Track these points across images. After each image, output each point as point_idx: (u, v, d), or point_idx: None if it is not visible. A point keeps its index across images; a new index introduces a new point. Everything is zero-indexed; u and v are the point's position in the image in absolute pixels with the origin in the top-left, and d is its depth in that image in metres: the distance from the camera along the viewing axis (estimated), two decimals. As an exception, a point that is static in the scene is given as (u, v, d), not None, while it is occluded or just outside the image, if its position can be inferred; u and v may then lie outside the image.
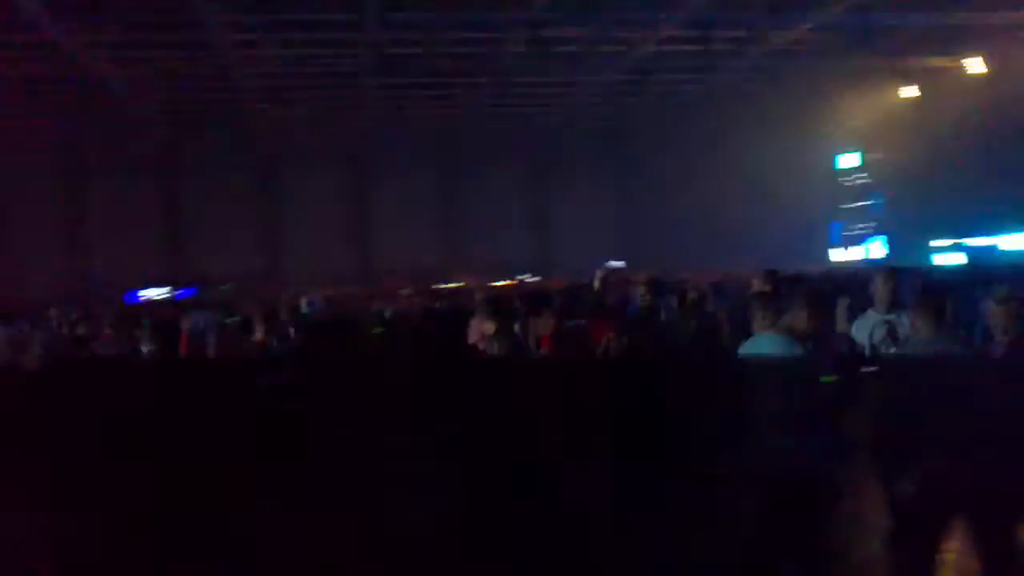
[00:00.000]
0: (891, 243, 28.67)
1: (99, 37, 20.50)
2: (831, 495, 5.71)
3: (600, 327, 7.79)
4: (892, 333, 6.79)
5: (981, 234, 24.65)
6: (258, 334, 8.58)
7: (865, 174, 29.83)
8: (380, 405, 6.54)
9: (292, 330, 9.21)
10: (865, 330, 6.99)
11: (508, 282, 25.49)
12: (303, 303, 12.57)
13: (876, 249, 29.31)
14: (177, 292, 28.94)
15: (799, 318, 6.12)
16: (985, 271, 14.74)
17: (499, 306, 7.87)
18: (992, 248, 24.41)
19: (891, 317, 6.87)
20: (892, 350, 6.68)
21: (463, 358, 7.50)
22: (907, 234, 26.81)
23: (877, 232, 29.52)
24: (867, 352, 6.86)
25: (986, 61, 23.80)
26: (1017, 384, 5.38)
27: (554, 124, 32.51)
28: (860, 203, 30.17)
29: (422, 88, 26.28)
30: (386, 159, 33.10)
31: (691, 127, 30.64)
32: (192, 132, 30.92)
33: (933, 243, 26.19)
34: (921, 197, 25.51)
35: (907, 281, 8.48)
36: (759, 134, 29.34)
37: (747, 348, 6.34)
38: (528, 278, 27.30)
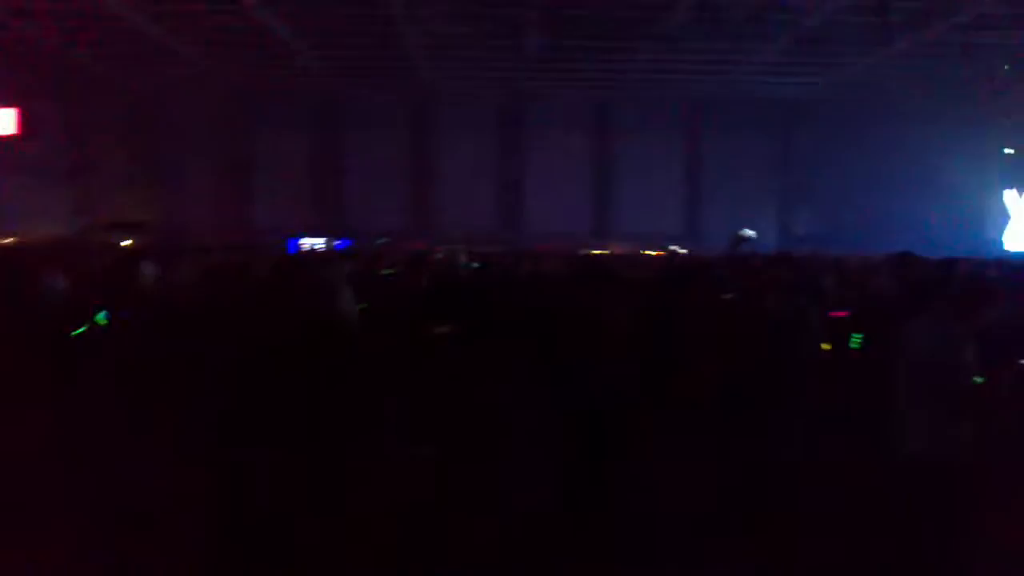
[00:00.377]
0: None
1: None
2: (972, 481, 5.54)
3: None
4: None
5: None
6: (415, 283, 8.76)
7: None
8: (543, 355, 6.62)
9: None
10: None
11: (658, 251, 25.12)
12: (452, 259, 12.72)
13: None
14: (334, 242, 29.80)
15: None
16: None
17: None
18: None
19: None
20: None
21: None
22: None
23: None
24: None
25: None
26: None
27: (714, 94, 31.85)
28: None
29: (582, 50, 26.07)
30: (540, 120, 33.11)
31: (858, 103, 29.48)
32: (354, 86, 31.80)
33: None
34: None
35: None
36: (930, 113, 27.98)
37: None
38: (678, 249, 26.85)
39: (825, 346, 9.06)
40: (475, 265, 11.55)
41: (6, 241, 21.80)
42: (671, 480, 7.24)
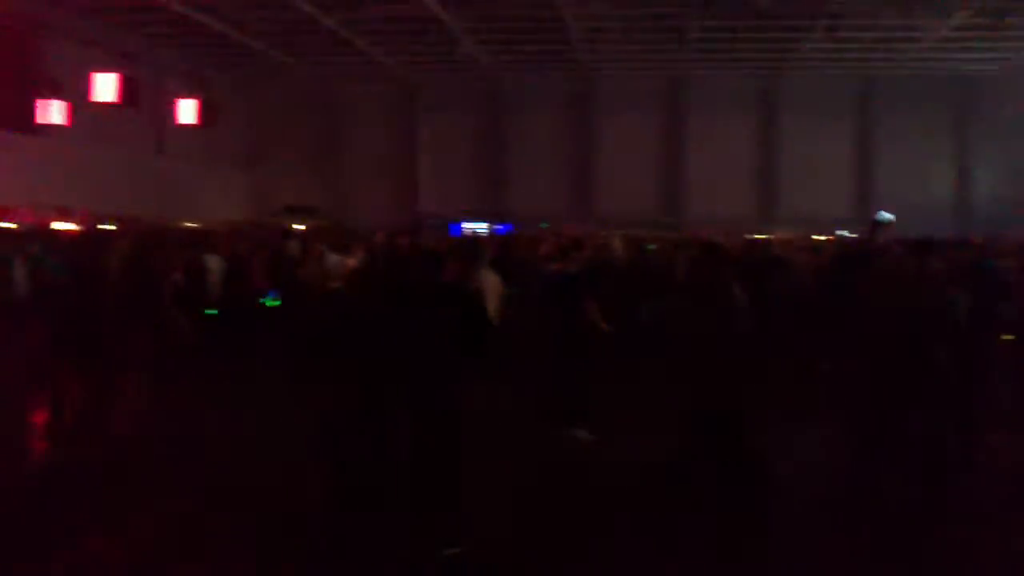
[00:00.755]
0: None
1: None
2: None
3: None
4: None
5: None
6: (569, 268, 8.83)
7: None
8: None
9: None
10: None
11: (825, 237, 24.29)
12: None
13: None
14: (495, 227, 30.17)
15: None
16: None
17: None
18: None
19: None
20: None
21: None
22: None
23: None
24: None
25: None
26: None
27: (885, 72, 30.57)
28: None
29: (746, 30, 25.45)
30: (702, 103, 32.55)
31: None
32: (517, 72, 32.06)
33: None
34: None
35: None
36: None
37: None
38: (846, 234, 25.89)
39: (1007, 336, 8.58)
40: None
41: (190, 226, 23.03)
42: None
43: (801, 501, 6.71)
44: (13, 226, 16.33)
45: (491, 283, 8.88)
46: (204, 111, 27.05)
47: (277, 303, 10.02)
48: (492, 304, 8.61)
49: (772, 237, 23.64)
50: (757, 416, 6.69)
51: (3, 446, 7.79)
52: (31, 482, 7.16)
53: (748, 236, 23.29)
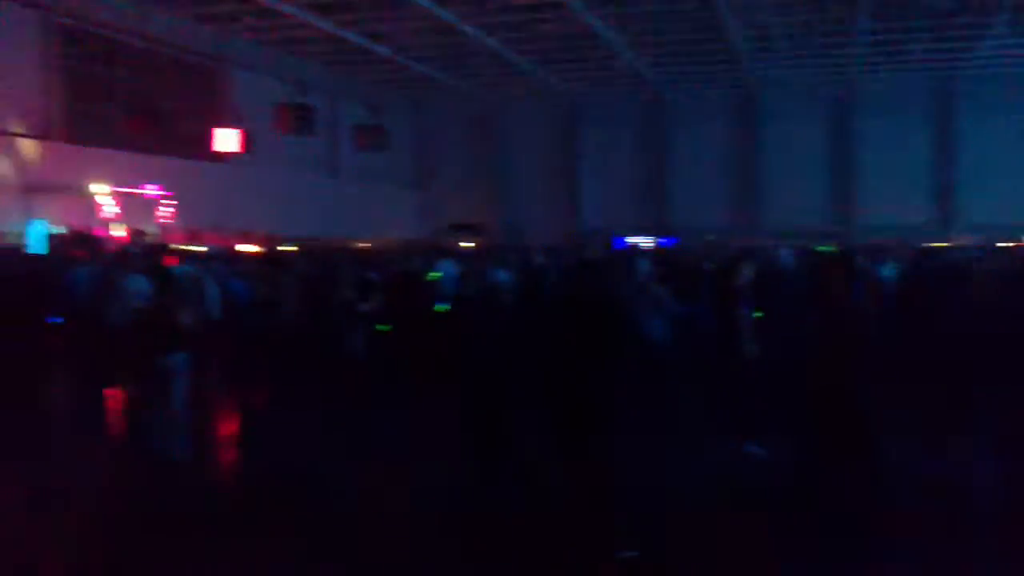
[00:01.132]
0: None
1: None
2: None
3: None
4: None
5: None
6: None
7: None
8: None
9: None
10: None
11: (1012, 244, 23.02)
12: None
13: None
14: (659, 240, 29.99)
15: None
16: None
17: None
18: None
19: None
20: None
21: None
22: None
23: None
24: None
25: None
26: None
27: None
28: None
29: (919, 31, 24.50)
30: (873, 108, 31.42)
31: None
32: (678, 83, 31.87)
33: None
34: None
35: None
36: None
37: None
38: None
39: None
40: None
41: (362, 244, 23.89)
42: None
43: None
44: (203, 249, 17.33)
45: (651, 295, 8.86)
46: (376, 134, 28.05)
47: (445, 308, 10.47)
48: (649, 316, 8.58)
49: (950, 245, 22.67)
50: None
51: (200, 457, 8.25)
52: (225, 490, 7.60)
53: (924, 244, 22.39)
